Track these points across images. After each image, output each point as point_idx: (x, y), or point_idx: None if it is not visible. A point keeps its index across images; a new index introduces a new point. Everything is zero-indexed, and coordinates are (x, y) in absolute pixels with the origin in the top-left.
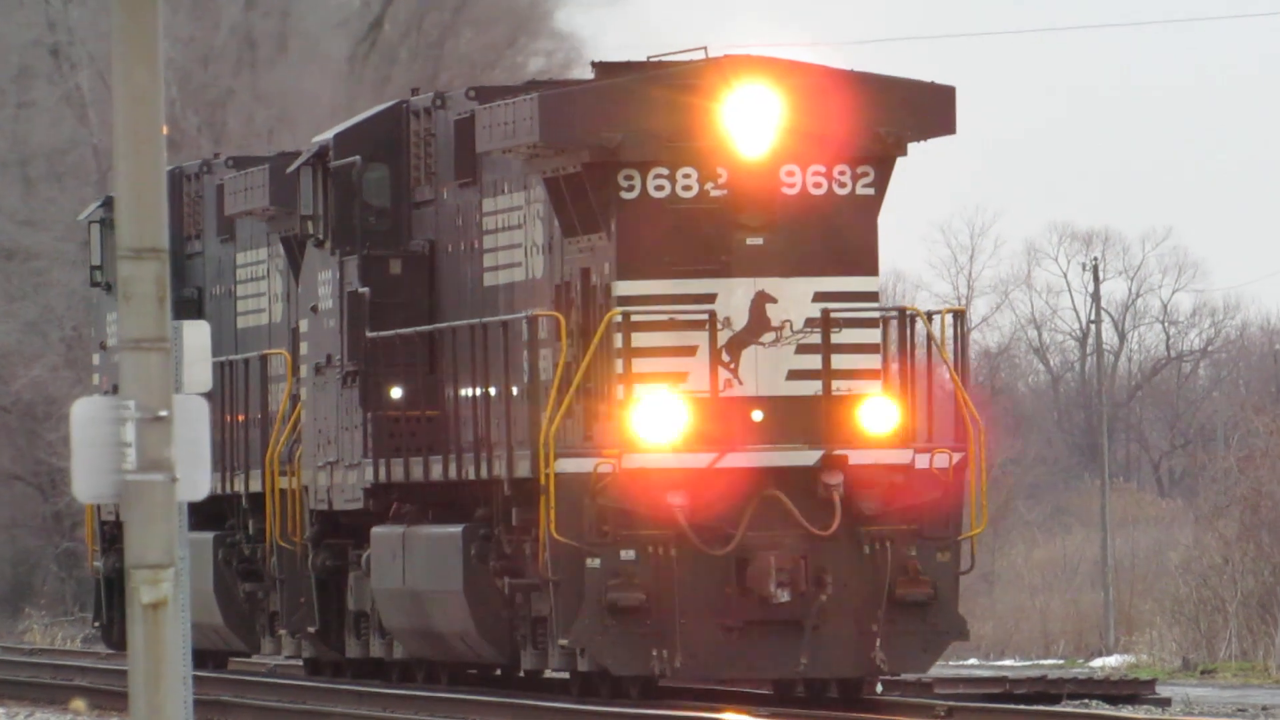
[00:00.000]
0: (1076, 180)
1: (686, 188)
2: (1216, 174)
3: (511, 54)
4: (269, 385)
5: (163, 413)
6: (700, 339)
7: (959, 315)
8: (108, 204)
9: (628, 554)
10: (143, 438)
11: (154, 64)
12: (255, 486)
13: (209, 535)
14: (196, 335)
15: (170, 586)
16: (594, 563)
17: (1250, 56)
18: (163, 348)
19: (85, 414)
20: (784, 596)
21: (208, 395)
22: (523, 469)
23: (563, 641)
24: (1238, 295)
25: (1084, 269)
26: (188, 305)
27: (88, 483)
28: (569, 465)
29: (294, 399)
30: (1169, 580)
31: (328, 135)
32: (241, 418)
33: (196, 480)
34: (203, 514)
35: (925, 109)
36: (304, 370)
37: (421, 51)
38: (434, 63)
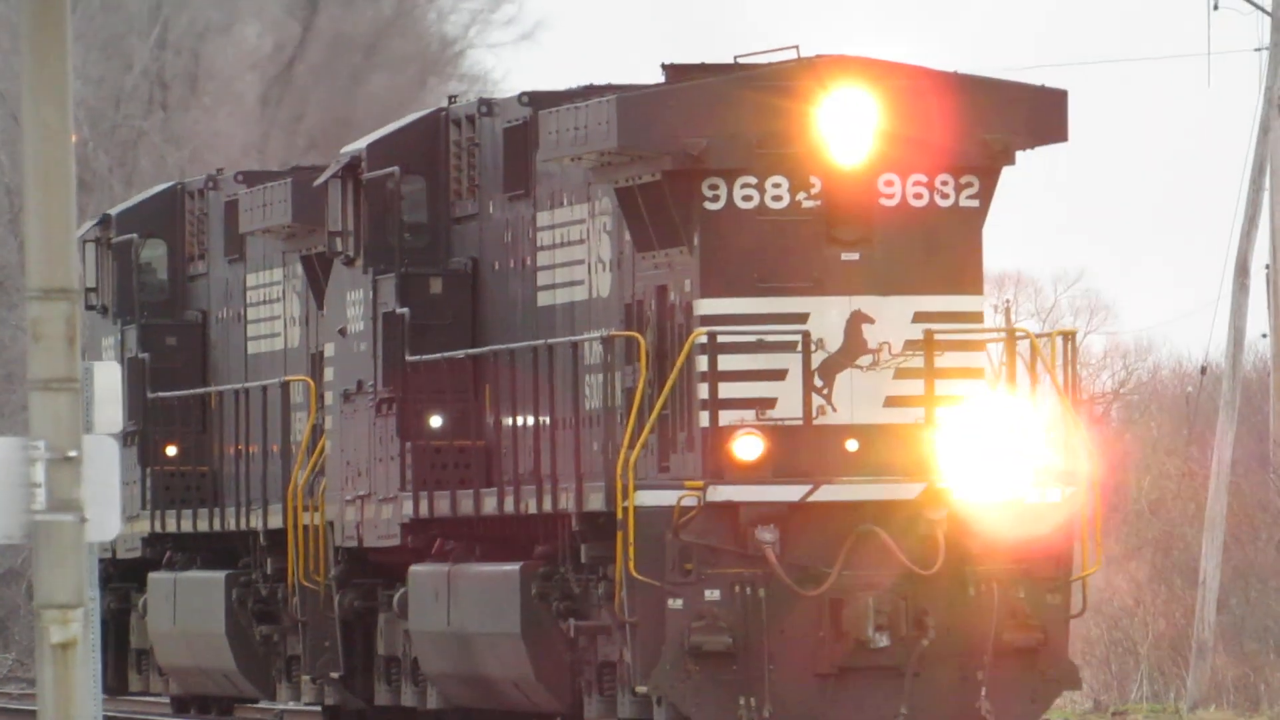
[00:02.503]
0: (989, 223)
1: (776, 198)
2: (1129, 216)
3: (422, 95)
4: (292, 415)
5: (72, 453)
6: (791, 362)
7: (1069, 337)
8: (104, 222)
9: (713, 594)
10: (52, 478)
11: (64, 104)
12: (275, 522)
13: (220, 575)
14: (107, 376)
15: (80, 627)
16: (676, 603)
17: (1164, 99)
18: (72, 388)
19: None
20: (882, 641)
21: (220, 424)
22: (594, 502)
23: (641, 689)
24: (1149, 337)
25: (995, 310)
26: (190, 330)
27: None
28: (649, 498)
29: (317, 429)
30: (1080, 623)
31: (360, 145)
32: (258, 449)
33: (106, 520)
34: (214, 553)
35: (1036, 114)
36: (329, 397)
37: (334, 93)
38: (346, 103)
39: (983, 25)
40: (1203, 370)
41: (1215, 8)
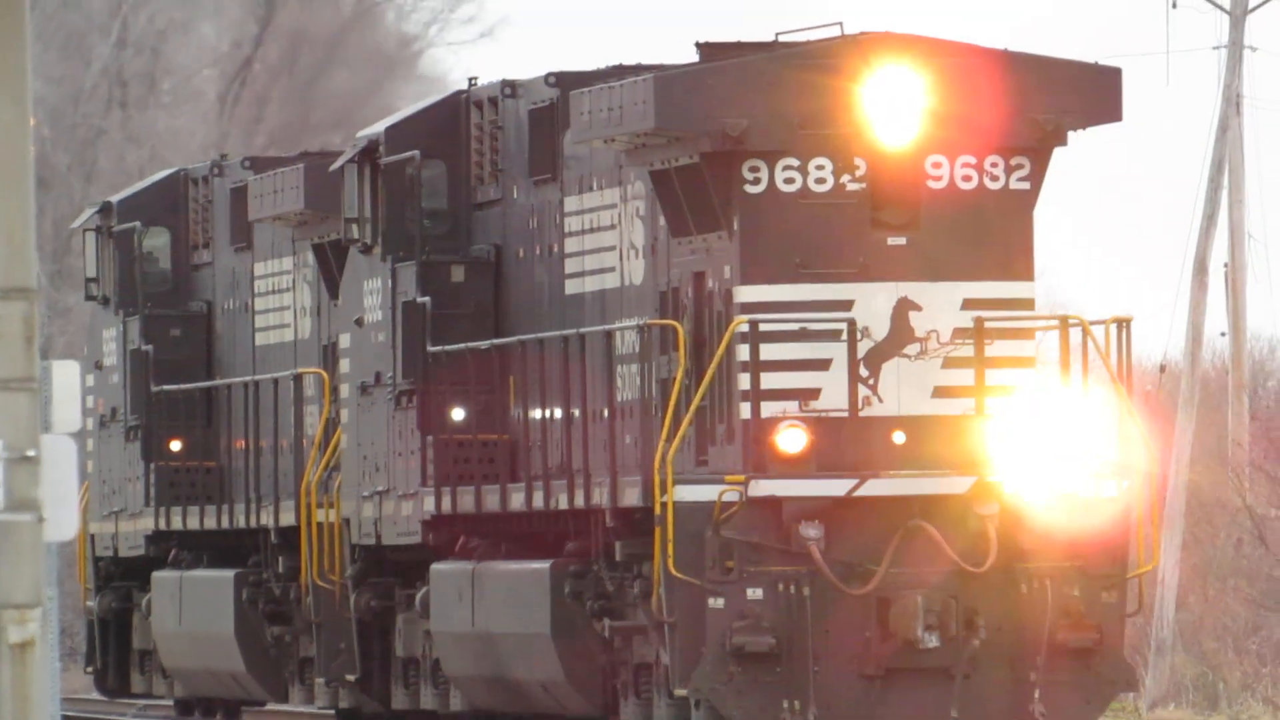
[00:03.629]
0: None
1: (820, 180)
2: (1088, 214)
3: (381, 95)
4: (305, 408)
5: (30, 452)
6: (836, 351)
7: (1124, 325)
8: (105, 210)
9: (755, 593)
10: (10, 477)
11: (22, 101)
12: (287, 520)
13: (229, 574)
14: (66, 375)
15: (38, 626)
16: (717, 603)
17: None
18: (30, 388)
19: None
20: (932, 641)
21: (228, 418)
22: (631, 497)
23: (680, 691)
24: None
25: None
26: (195, 321)
27: None
28: (689, 493)
29: (331, 422)
30: None
31: (377, 129)
32: (268, 444)
33: (63, 520)
34: (221, 551)
35: (1089, 93)
36: (345, 390)
37: (292, 92)
38: (305, 102)
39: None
40: (1161, 369)
41: (1174, 6)
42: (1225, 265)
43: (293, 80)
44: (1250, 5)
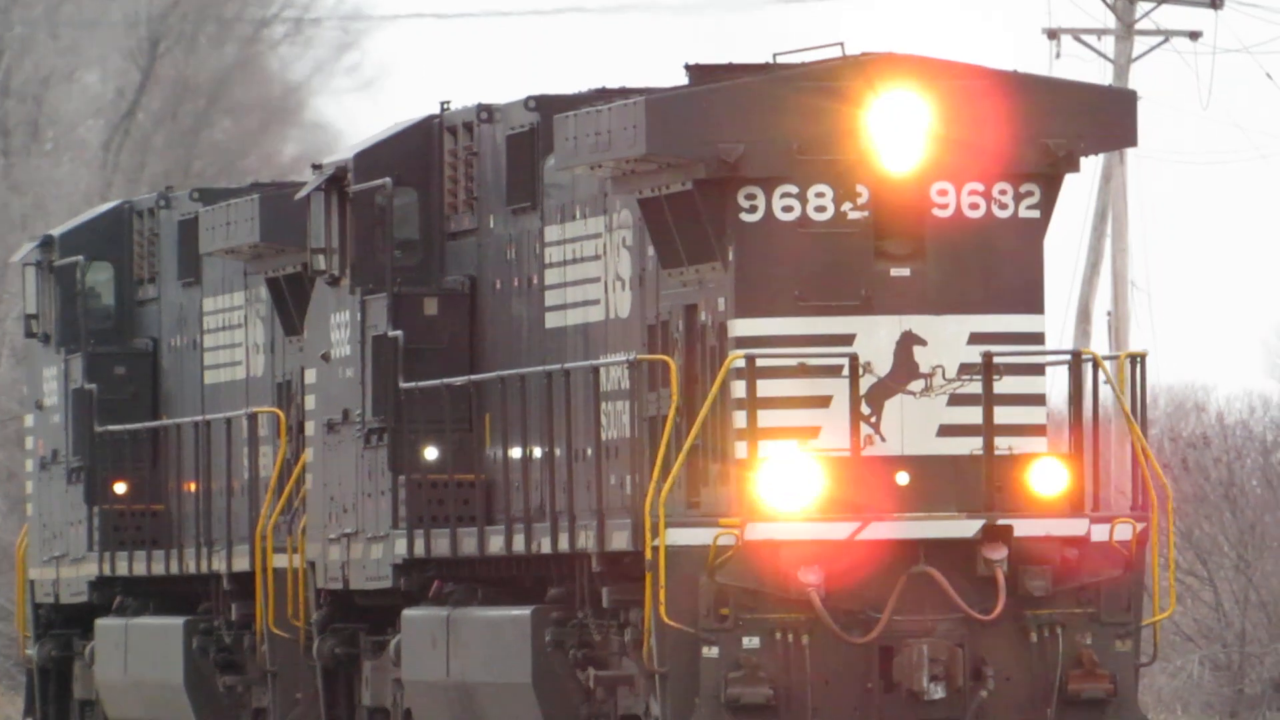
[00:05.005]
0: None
1: (820, 209)
2: None
3: (265, 142)
4: (260, 448)
5: None
6: (837, 388)
7: (1139, 360)
8: (46, 244)
9: (751, 641)
10: None
11: None
12: (240, 565)
13: (178, 621)
14: None
15: None
16: (711, 652)
17: None
18: None
19: None
20: (938, 692)
21: (177, 459)
22: (619, 541)
23: None
24: None
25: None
26: (141, 360)
27: None
28: (682, 536)
29: (288, 463)
30: None
31: (346, 155)
32: (220, 486)
33: None
34: (169, 598)
35: (1101, 117)
36: (311, 428)
37: (176, 140)
38: (187, 151)
39: None
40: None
41: (1058, 56)
42: (1109, 313)
43: (175, 128)
44: (1134, 54)
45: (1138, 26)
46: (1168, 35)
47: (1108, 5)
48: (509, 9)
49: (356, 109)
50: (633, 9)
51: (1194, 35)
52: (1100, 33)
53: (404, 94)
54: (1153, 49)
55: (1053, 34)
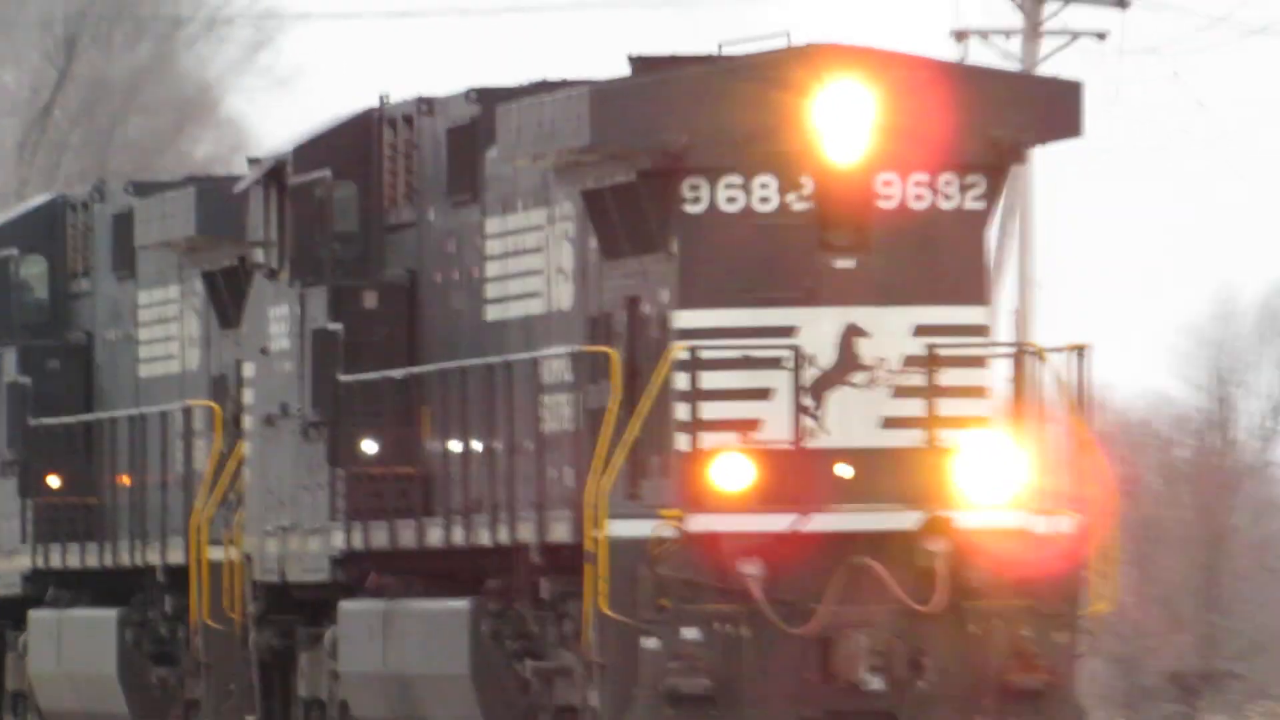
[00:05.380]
0: None
1: (764, 199)
2: None
3: (180, 141)
4: (194, 441)
5: None
6: (779, 380)
7: (1083, 352)
8: None
9: (691, 633)
10: None
11: None
12: (175, 558)
13: (112, 613)
14: None
15: None
16: (651, 643)
17: None
18: None
19: None
20: (876, 684)
21: (111, 452)
22: (559, 532)
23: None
24: None
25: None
26: (75, 353)
27: None
28: (623, 528)
29: (223, 457)
30: None
31: (285, 148)
32: (154, 479)
33: None
34: (105, 589)
35: (1047, 107)
36: (248, 421)
37: (91, 138)
38: (103, 149)
39: None
40: None
41: (964, 58)
42: (1015, 311)
43: (91, 127)
44: (1041, 54)
45: (1045, 27)
46: (1075, 35)
47: (1016, 5)
48: (416, 9)
49: (272, 107)
50: (557, 9)
51: (1101, 35)
52: (1008, 33)
53: (322, 92)
54: (1059, 49)
55: (960, 35)
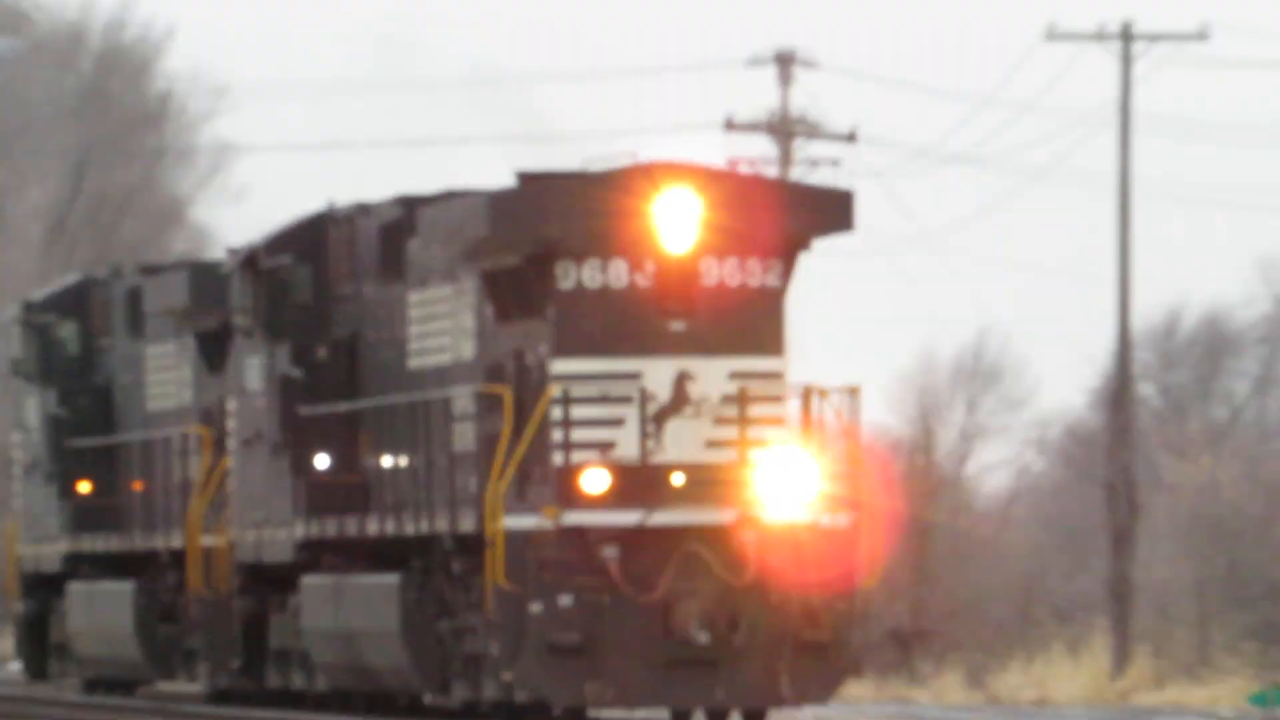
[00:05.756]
0: None
1: (618, 277)
2: None
3: (161, 240)
4: (189, 458)
5: None
6: (629, 412)
7: (854, 392)
8: (28, 307)
9: (566, 600)
10: None
11: None
12: (176, 544)
13: (128, 585)
14: None
15: None
16: (535, 607)
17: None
18: None
19: None
20: (703, 639)
21: (128, 466)
22: (467, 525)
23: (506, 676)
24: None
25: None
26: (99, 392)
27: None
28: (514, 522)
29: (211, 469)
30: None
31: (257, 242)
32: (159, 486)
33: None
34: (124, 568)
35: (827, 210)
36: (232, 443)
37: (98, 235)
38: (107, 245)
39: None
40: None
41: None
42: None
43: (97, 229)
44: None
45: (796, 157)
46: (816, 163)
47: (774, 140)
48: (346, 141)
49: (229, 215)
50: (466, 143)
51: (835, 163)
52: (767, 162)
53: (269, 204)
54: (806, 175)
55: (732, 163)
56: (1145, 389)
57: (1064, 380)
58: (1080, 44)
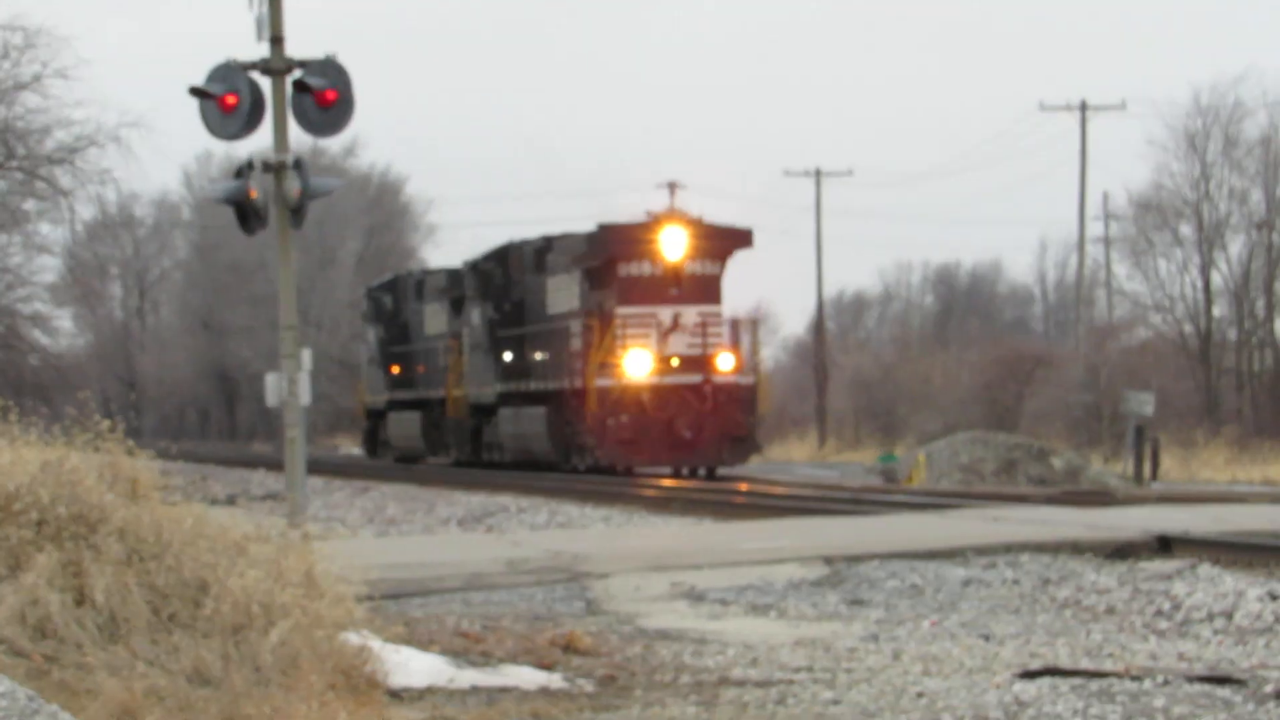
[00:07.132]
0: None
1: (645, 269)
2: None
3: (406, 263)
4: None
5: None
6: (651, 332)
7: (755, 322)
8: (474, 262)
9: (624, 418)
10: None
11: None
12: (441, 395)
13: (417, 413)
14: (307, 359)
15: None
16: (610, 421)
17: None
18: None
19: (272, 379)
20: (688, 435)
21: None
22: (578, 384)
23: (598, 453)
24: None
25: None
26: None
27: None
28: (600, 381)
29: (461, 357)
30: None
31: (478, 256)
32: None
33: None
34: (414, 407)
35: (742, 236)
36: (465, 347)
37: (375, 265)
38: (382, 268)
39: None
40: None
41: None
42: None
43: (372, 261)
44: None
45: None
46: None
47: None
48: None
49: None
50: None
51: None
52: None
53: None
54: None
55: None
56: (830, 326)
57: (798, 321)
58: None
